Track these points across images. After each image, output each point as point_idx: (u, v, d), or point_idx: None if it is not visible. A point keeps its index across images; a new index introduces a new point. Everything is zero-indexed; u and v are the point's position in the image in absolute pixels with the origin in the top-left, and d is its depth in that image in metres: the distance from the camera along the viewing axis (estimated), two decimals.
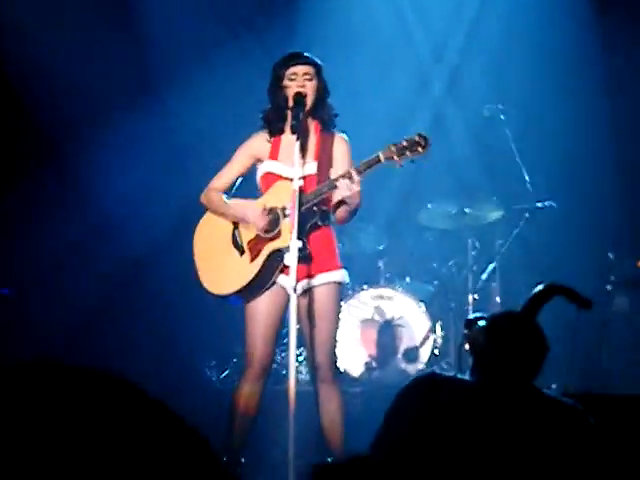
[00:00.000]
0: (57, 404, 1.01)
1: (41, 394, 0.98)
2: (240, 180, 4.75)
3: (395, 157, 4.35)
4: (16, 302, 6.28)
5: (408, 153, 4.35)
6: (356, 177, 4.35)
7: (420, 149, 4.35)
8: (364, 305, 6.86)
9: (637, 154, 6.93)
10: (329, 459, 4.44)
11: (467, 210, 6.98)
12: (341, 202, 4.48)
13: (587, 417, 2.61)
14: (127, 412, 1.03)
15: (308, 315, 4.48)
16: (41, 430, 0.97)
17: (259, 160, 4.68)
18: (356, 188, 4.36)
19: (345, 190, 4.36)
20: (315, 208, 4.46)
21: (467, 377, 2.78)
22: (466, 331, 2.86)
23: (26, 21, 6.71)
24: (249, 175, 4.75)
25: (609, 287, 6.17)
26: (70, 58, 6.81)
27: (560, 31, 7.26)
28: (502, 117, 6.87)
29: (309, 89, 4.55)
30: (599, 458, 2.56)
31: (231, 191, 4.74)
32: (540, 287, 2.85)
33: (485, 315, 2.93)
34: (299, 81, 4.55)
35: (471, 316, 2.89)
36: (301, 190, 4.26)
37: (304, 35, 7.13)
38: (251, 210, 4.55)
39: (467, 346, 2.86)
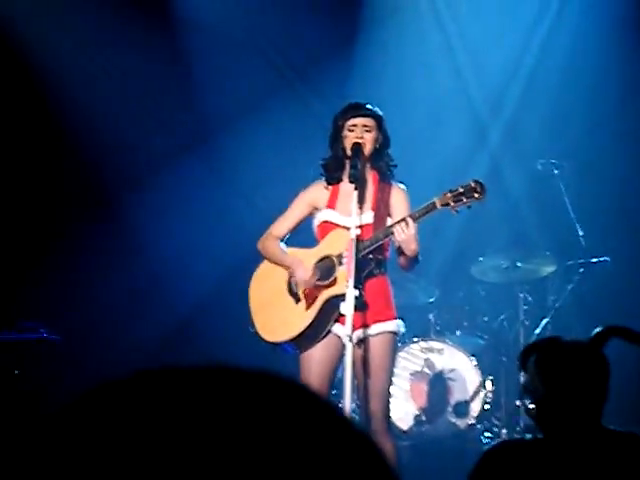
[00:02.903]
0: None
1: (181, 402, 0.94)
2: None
3: (451, 203, 4.34)
4: (68, 350, 6.30)
5: (464, 199, 4.35)
6: (411, 223, 4.35)
7: (476, 195, 4.35)
8: (414, 357, 6.79)
9: None
10: None
11: (519, 264, 6.91)
12: (400, 249, 4.48)
13: None
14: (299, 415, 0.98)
15: (363, 365, 4.45)
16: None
17: (316, 208, 4.70)
18: (411, 232, 4.35)
19: (401, 235, 4.36)
20: (371, 256, 4.46)
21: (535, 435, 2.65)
22: (522, 375, 2.67)
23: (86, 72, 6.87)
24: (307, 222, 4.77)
25: None
26: (126, 111, 6.95)
27: (619, 83, 7.24)
28: (555, 171, 6.85)
29: (367, 141, 4.57)
30: None
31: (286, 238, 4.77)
32: (598, 329, 2.72)
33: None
34: (358, 132, 4.57)
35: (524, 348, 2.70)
36: (358, 238, 4.27)
37: (359, 81, 7.19)
38: (301, 270, 4.56)
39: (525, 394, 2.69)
